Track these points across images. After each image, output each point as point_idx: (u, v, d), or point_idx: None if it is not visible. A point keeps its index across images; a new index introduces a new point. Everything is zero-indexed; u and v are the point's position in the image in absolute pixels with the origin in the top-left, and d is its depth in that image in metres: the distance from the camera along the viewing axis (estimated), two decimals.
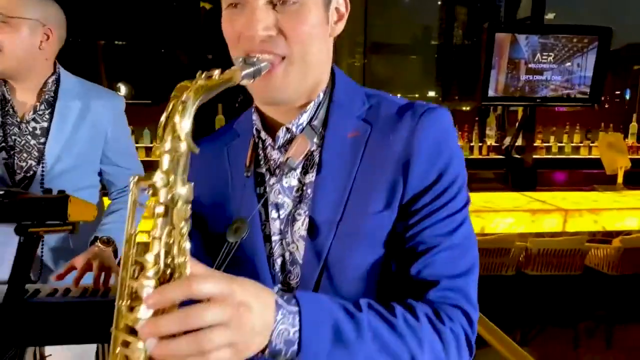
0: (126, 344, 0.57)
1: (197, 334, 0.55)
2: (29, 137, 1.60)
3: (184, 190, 0.58)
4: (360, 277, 0.78)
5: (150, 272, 0.58)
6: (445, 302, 0.75)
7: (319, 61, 0.81)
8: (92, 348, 1.88)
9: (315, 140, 0.84)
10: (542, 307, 4.12)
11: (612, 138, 5.18)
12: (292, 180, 0.84)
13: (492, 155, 6.03)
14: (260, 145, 0.88)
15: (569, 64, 5.36)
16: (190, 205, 0.59)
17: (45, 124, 1.61)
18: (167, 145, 0.58)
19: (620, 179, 5.11)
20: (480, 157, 5.95)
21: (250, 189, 0.85)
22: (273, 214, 0.84)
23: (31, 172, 1.58)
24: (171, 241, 0.58)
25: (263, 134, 0.87)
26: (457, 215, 0.79)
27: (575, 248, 4.10)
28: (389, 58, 6.68)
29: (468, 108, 6.18)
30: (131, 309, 0.58)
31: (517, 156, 5.85)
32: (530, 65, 5.31)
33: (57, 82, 1.65)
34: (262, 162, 0.87)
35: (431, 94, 6.78)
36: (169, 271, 0.59)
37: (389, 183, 0.79)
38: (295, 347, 0.64)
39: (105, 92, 1.76)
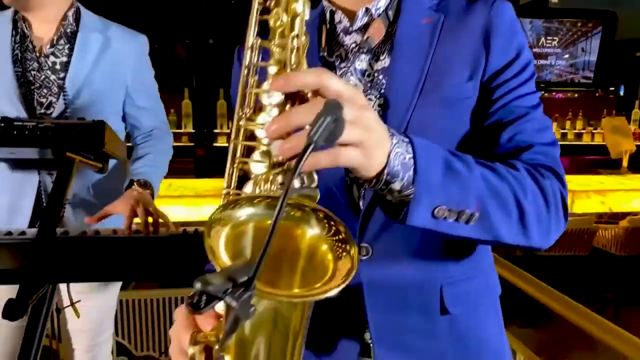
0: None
1: None
2: (49, 72, 1.55)
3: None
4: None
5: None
6: (539, 163, 0.74)
7: None
8: (114, 297, 1.85)
9: (388, 28, 0.82)
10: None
11: (617, 122, 5.18)
12: (363, 64, 0.83)
13: None
14: (329, 33, 0.86)
15: (573, 48, 5.36)
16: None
17: (64, 59, 1.56)
18: None
19: (625, 163, 5.10)
20: None
21: None
22: None
23: (51, 109, 1.53)
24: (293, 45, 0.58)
25: (339, 15, 0.85)
26: (536, 95, 0.80)
27: (584, 228, 4.09)
28: None
29: None
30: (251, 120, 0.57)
31: None
32: (534, 50, 5.31)
33: (77, 15, 1.60)
34: (334, 48, 0.85)
35: None
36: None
37: (470, 59, 0.78)
38: (411, 172, 0.61)
39: (128, 30, 1.71)
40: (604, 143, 5.31)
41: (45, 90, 1.54)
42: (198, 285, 0.44)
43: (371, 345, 0.81)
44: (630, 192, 4.48)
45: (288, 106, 0.56)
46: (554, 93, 6.13)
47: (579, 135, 6.24)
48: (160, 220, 1.40)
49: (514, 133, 0.77)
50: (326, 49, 0.84)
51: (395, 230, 0.77)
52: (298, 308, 0.54)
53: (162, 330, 2.34)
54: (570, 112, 6.27)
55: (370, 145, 0.56)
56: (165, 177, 1.78)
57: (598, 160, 5.60)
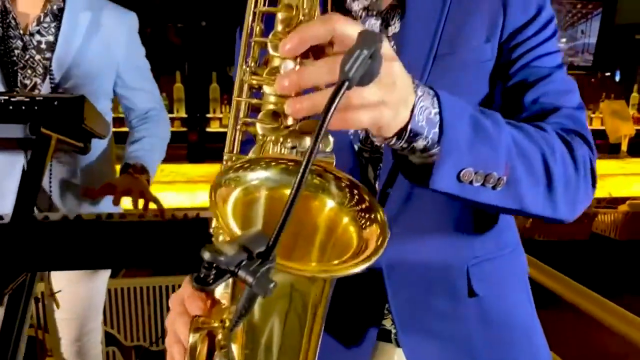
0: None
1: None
2: (34, 51, 1.45)
3: None
4: None
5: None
6: (567, 127, 0.68)
7: None
8: (103, 284, 1.77)
9: None
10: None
11: (617, 105, 5.11)
12: (374, 28, 0.75)
13: None
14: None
15: (572, 30, 5.28)
16: None
17: (51, 38, 1.46)
18: None
19: (624, 147, 5.05)
20: None
21: None
22: None
23: (36, 90, 1.44)
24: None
25: None
26: (558, 55, 0.74)
27: (583, 212, 4.04)
28: None
29: None
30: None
31: None
32: None
33: None
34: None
35: None
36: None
37: (486, 19, 0.71)
38: (437, 129, 0.55)
39: (119, 7, 1.60)
40: (602, 127, 5.25)
41: (29, 71, 1.44)
42: (207, 256, 0.37)
43: (393, 331, 0.77)
44: (630, 177, 4.44)
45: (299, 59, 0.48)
46: None
47: None
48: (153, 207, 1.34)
49: (539, 95, 0.71)
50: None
51: (415, 209, 0.72)
52: (317, 284, 0.47)
53: (153, 320, 2.27)
54: None
55: (395, 103, 0.49)
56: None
57: (597, 145, 5.54)
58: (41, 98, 1.05)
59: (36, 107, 1.03)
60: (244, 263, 0.37)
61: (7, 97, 1.04)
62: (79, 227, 1.12)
